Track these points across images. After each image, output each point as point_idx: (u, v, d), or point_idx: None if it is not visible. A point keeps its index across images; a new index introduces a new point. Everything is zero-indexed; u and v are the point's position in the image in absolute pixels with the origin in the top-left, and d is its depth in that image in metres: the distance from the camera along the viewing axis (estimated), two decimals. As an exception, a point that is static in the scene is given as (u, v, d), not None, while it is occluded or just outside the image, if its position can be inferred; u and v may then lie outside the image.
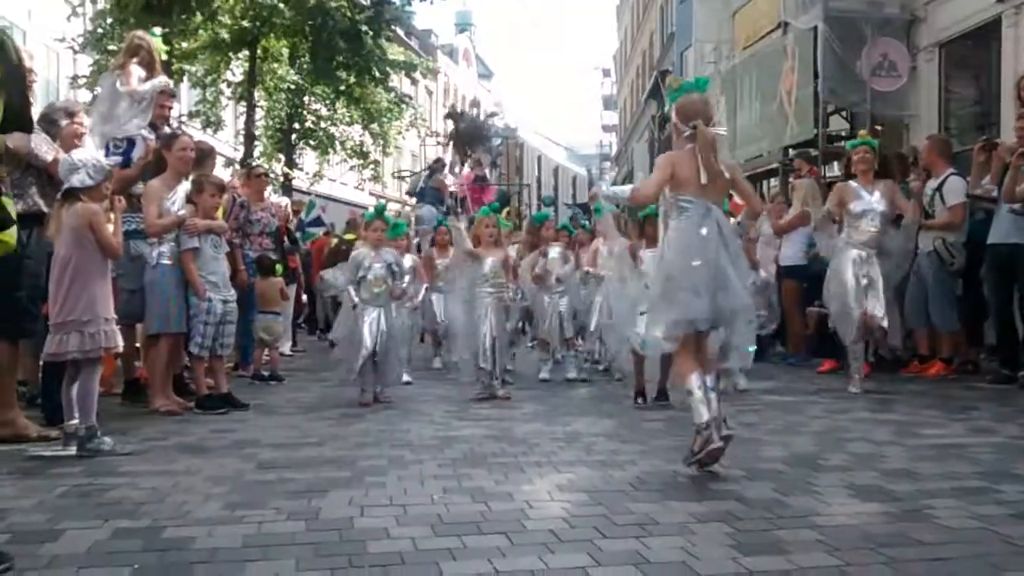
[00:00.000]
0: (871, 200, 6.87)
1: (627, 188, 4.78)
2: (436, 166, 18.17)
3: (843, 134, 14.58)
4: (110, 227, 4.92)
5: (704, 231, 4.15)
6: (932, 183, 8.04)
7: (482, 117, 21.02)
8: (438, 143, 25.03)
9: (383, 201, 8.31)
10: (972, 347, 8.20)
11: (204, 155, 7.27)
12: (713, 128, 4.24)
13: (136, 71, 6.79)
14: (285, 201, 11.36)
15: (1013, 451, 4.59)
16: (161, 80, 6.94)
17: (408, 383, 7.80)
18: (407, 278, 7.45)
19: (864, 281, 6.82)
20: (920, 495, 3.67)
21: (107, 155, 6.43)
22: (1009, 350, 7.22)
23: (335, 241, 13.56)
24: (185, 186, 6.53)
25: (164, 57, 7.63)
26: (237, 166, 18.10)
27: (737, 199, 6.35)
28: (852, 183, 7.04)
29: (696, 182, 4.17)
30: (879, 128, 13.61)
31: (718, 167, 4.20)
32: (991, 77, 11.81)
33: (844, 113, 14.28)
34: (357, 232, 10.73)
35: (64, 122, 5.96)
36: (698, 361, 4.23)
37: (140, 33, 7.26)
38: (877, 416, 5.84)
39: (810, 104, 13.59)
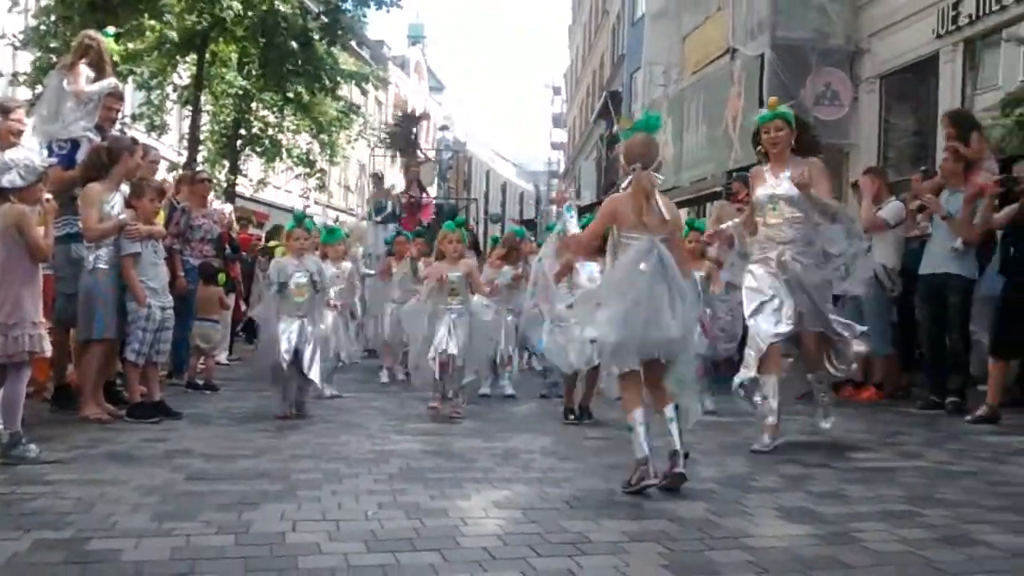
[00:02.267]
0: (774, 183, 5.44)
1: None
2: (379, 183, 18.07)
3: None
4: (41, 229, 4.80)
5: (643, 266, 4.21)
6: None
7: (421, 129, 21.02)
8: (392, 155, 24.93)
9: (301, 209, 8.23)
10: (903, 372, 8.39)
11: (147, 157, 7.15)
12: (648, 173, 4.32)
13: (84, 71, 6.67)
14: (228, 208, 11.19)
15: (939, 476, 4.70)
16: (110, 82, 6.83)
17: (335, 396, 7.70)
18: (337, 288, 7.38)
19: (771, 294, 5.37)
20: (848, 518, 3.74)
21: (50, 155, 6.31)
22: (939, 377, 7.39)
23: (260, 249, 13.39)
24: (124, 190, 6.42)
25: (116, 58, 7.50)
26: (180, 171, 17.83)
27: None
28: (763, 168, 5.63)
29: (638, 220, 4.27)
30: (820, 156, 13.93)
31: (655, 211, 4.28)
32: (929, 110, 12.15)
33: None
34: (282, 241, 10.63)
35: None
36: (652, 394, 4.30)
37: (92, 33, 7.12)
38: (809, 439, 5.92)
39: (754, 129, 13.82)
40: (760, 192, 5.49)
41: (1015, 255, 6.75)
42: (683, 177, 17.50)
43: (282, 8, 17.77)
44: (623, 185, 4.46)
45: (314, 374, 6.53)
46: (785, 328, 5.30)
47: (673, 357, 4.31)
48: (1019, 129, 9.93)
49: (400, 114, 21.48)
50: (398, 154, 18.85)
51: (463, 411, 6.73)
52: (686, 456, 4.20)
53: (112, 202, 6.23)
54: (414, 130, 19.76)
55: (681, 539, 3.36)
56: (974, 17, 10.95)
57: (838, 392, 8.23)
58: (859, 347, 5.71)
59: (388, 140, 20.08)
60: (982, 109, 10.85)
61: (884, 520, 3.70)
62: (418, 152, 20.24)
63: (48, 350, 4.88)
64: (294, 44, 18.39)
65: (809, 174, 5.23)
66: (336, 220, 16.75)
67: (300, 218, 7.01)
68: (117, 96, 7.08)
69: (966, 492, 4.28)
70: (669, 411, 4.24)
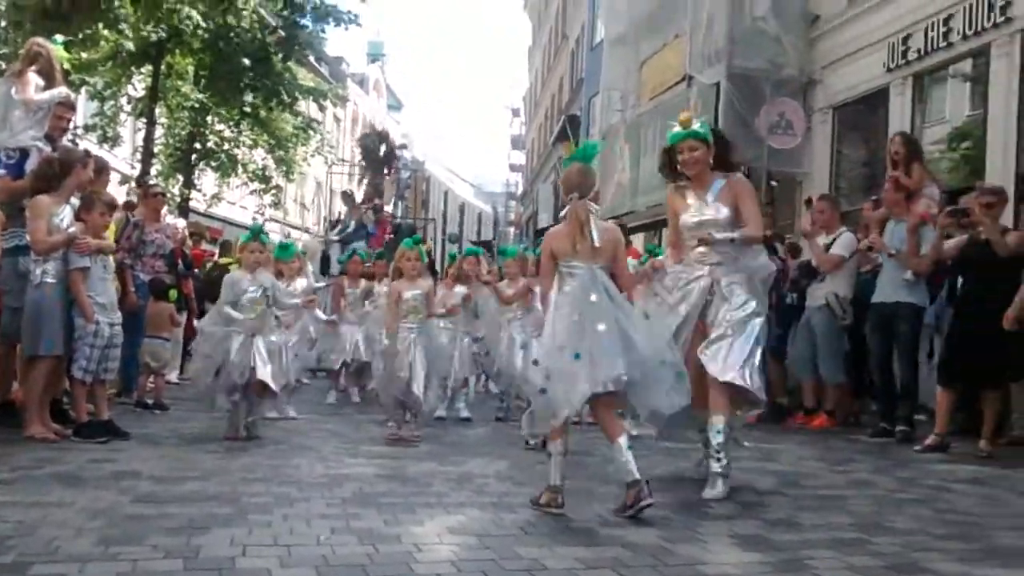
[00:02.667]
0: (698, 207, 5.09)
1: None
2: (349, 200, 18.02)
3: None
4: None
5: (594, 297, 4.26)
6: (824, 239, 8.41)
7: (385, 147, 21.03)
8: (350, 173, 24.86)
9: (259, 222, 8.15)
10: (855, 400, 8.52)
11: (98, 171, 7.03)
12: (584, 202, 4.37)
13: (34, 79, 6.55)
14: (182, 223, 11.06)
15: (888, 503, 4.77)
16: (60, 91, 6.71)
17: (292, 418, 7.62)
18: (293, 301, 7.30)
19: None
20: (800, 545, 3.76)
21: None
22: (889, 405, 7.51)
23: (209, 266, 13.23)
24: (74, 203, 6.30)
25: (66, 66, 7.37)
26: (133, 184, 17.57)
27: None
28: (683, 189, 5.19)
29: (575, 249, 4.35)
30: (774, 184, 14.17)
31: (595, 237, 4.32)
32: (880, 141, 12.39)
33: (742, 168, 14.74)
34: (234, 255, 10.51)
35: None
36: (605, 425, 4.34)
37: (40, 40, 7.00)
38: (762, 465, 5.98)
39: (710, 157, 14.00)
40: (686, 218, 5.10)
41: (963, 286, 6.90)
42: (639, 202, 17.66)
43: (236, 23, 17.63)
44: (561, 215, 4.52)
45: (275, 385, 6.47)
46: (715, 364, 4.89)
47: (627, 388, 4.29)
48: (965, 163, 10.21)
49: (368, 131, 21.45)
50: (366, 170, 18.81)
51: (420, 434, 6.69)
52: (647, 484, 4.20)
53: (61, 215, 6.11)
54: (384, 146, 19.75)
55: (635, 566, 3.36)
56: (922, 52, 11.23)
57: (790, 419, 8.36)
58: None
59: (362, 154, 20.00)
60: (930, 142, 11.12)
61: (835, 548, 3.73)
62: (389, 169, 20.21)
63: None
64: (246, 60, 18.26)
65: (734, 192, 5.03)
66: (287, 236, 16.61)
67: (257, 231, 6.92)
68: (68, 105, 6.96)
69: (915, 520, 4.34)
70: (623, 440, 4.25)
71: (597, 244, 4.34)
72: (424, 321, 6.76)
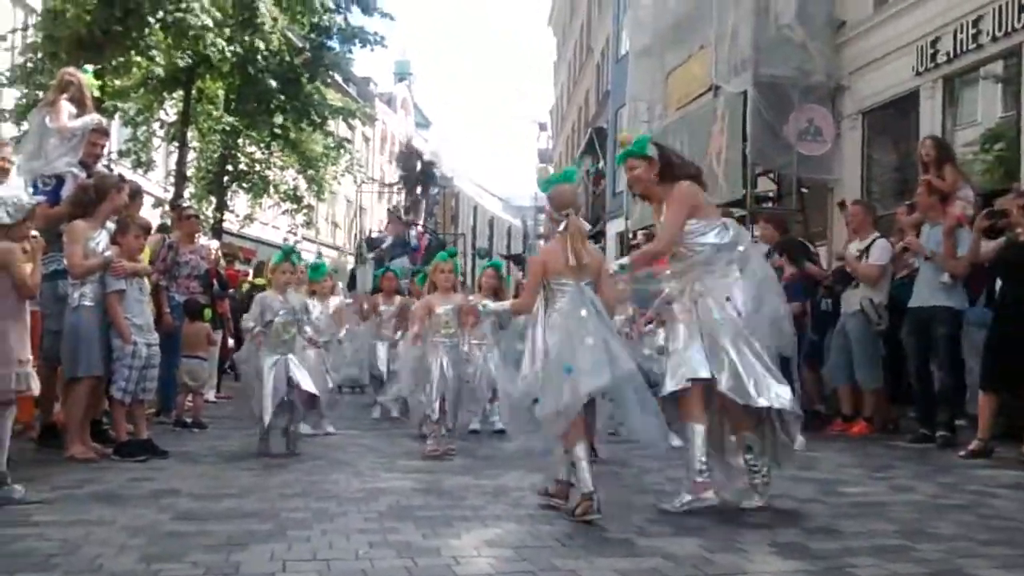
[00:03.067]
0: (658, 223, 5.09)
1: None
2: (395, 217, 18.16)
3: (770, 195, 14.99)
4: (28, 267, 4.77)
5: (583, 312, 4.39)
6: (858, 244, 8.33)
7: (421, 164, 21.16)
8: (380, 191, 25.05)
9: (290, 242, 8.25)
10: (893, 406, 8.41)
11: (132, 195, 7.14)
12: (579, 218, 4.60)
13: (66, 107, 6.67)
14: (215, 244, 11.19)
15: (930, 510, 4.70)
16: (93, 118, 6.84)
17: (330, 433, 7.66)
18: (319, 321, 7.34)
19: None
20: (841, 553, 3.72)
21: (35, 192, 6.30)
22: (928, 410, 7.41)
23: (245, 287, 13.36)
24: (110, 227, 6.41)
25: (96, 93, 7.53)
26: (167, 207, 17.81)
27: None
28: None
29: (567, 266, 4.48)
30: (805, 191, 14.07)
31: (585, 253, 4.52)
32: (911, 145, 12.27)
33: (772, 175, 14.68)
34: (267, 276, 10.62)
35: None
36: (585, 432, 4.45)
37: (71, 69, 7.16)
38: (800, 473, 5.90)
39: (739, 165, 13.95)
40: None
41: (1002, 288, 6.80)
42: (669, 213, 17.57)
43: (263, 46, 17.87)
44: (560, 229, 4.58)
45: (298, 411, 6.53)
46: (705, 373, 4.58)
47: (625, 391, 4.42)
48: (999, 164, 10.07)
49: (404, 148, 21.59)
50: (406, 184, 18.94)
51: (455, 447, 6.69)
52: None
53: (98, 239, 6.21)
54: (419, 163, 19.87)
55: (675, 576, 3.34)
56: (952, 55, 11.12)
57: (830, 427, 8.27)
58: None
59: (402, 171, 20.15)
60: (963, 144, 10.99)
61: (877, 555, 3.69)
62: (426, 185, 20.31)
63: (36, 389, 4.84)
64: (273, 82, 18.47)
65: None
66: (319, 256, 16.72)
67: (288, 252, 6.99)
68: (101, 132, 7.10)
69: (958, 526, 4.27)
70: (580, 451, 4.35)
71: (585, 261, 4.49)
72: (455, 336, 6.76)
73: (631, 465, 6.30)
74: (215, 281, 9.98)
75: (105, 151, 8.13)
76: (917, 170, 11.45)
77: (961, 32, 10.88)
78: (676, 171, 4.90)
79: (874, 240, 8.20)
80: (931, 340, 7.22)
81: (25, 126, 15.34)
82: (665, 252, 4.94)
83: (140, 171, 19.82)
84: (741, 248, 4.80)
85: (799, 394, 8.20)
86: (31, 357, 4.83)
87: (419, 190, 18.97)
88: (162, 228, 9.49)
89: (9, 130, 15.82)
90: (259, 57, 17.95)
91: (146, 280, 6.52)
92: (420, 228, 17.06)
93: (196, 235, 9.35)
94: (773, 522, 4.35)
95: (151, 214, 16.10)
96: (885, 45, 12.41)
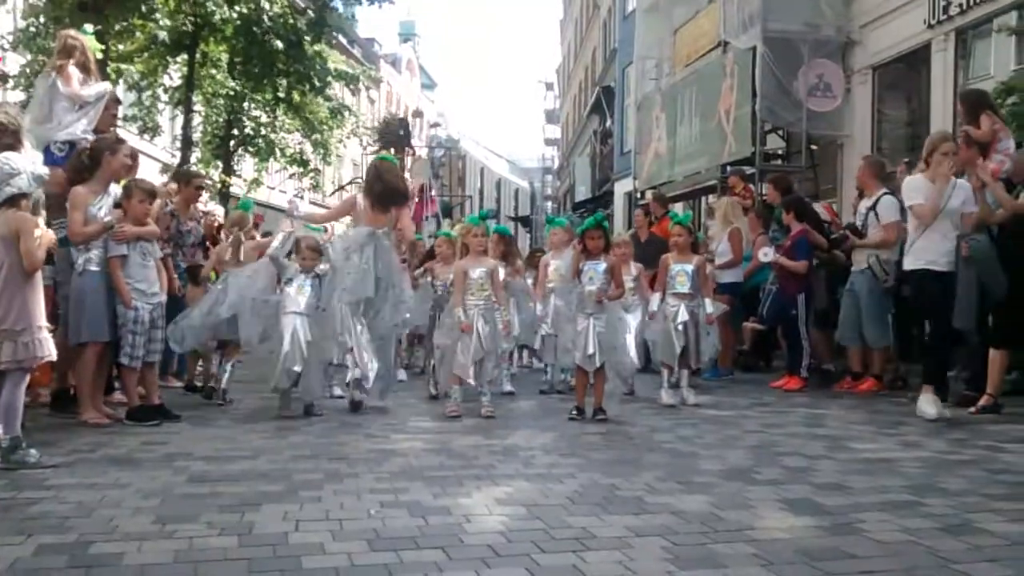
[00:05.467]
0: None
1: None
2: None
3: (780, 152, 14.89)
4: (37, 238, 4.76)
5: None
6: (866, 202, 8.24)
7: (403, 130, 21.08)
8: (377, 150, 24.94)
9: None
10: (902, 363, 8.39)
11: (132, 157, 7.12)
12: None
13: (75, 73, 6.64)
14: (220, 211, 11.20)
15: (940, 466, 4.71)
16: (106, 86, 6.85)
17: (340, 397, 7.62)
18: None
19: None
20: (851, 509, 3.74)
21: (48, 157, 6.28)
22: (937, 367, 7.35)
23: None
24: (115, 191, 6.38)
25: (99, 56, 7.49)
26: (169, 174, 17.78)
27: None
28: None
29: None
30: (815, 148, 13.96)
31: None
32: (922, 99, 12.16)
33: (781, 132, 14.57)
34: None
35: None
36: None
37: (72, 32, 7.09)
38: (810, 431, 5.94)
39: (748, 122, 13.85)
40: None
41: (1012, 248, 6.70)
42: (677, 171, 17.50)
43: (268, 7, 17.71)
44: None
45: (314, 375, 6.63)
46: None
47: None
48: (1012, 119, 9.93)
49: (388, 114, 21.52)
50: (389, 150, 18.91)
51: (493, 408, 6.66)
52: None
53: (99, 204, 6.17)
54: (403, 130, 19.82)
55: (684, 533, 3.36)
56: (965, 7, 10.96)
57: (839, 384, 8.27)
58: None
59: (378, 137, 20.14)
60: (975, 98, 10.84)
61: (887, 510, 3.71)
62: (408, 147, 20.27)
63: (54, 353, 4.86)
64: (279, 43, 18.33)
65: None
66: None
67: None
68: (115, 99, 7.09)
69: (967, 481, 4.29)
70: None
71: None
72: (489, 298, 6.74)
73: (637, 424, 6.32)
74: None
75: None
76: (929, 125, 11.39)
77: (973, -17, 10.71)
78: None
79: (881, 196, 8.10)
80: (946, 298, 7.08)
81: (31, 91, 15.32)
82: None
83: (146, 136, 19.76)
84: None
85: (808, 352, 8.28)
86: (47, 323, 4.85)
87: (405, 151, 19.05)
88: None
89: (15, 96, 15.74)
90: (264, 18, 17.80)
91: (153, 244, 6.46)
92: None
93: (195, 202, 9.31)
94: (782, 479, 4.37)
95: (158, 180, 16.07)
96: (896, -2, 12.24)
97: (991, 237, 6.77)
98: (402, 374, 8.14)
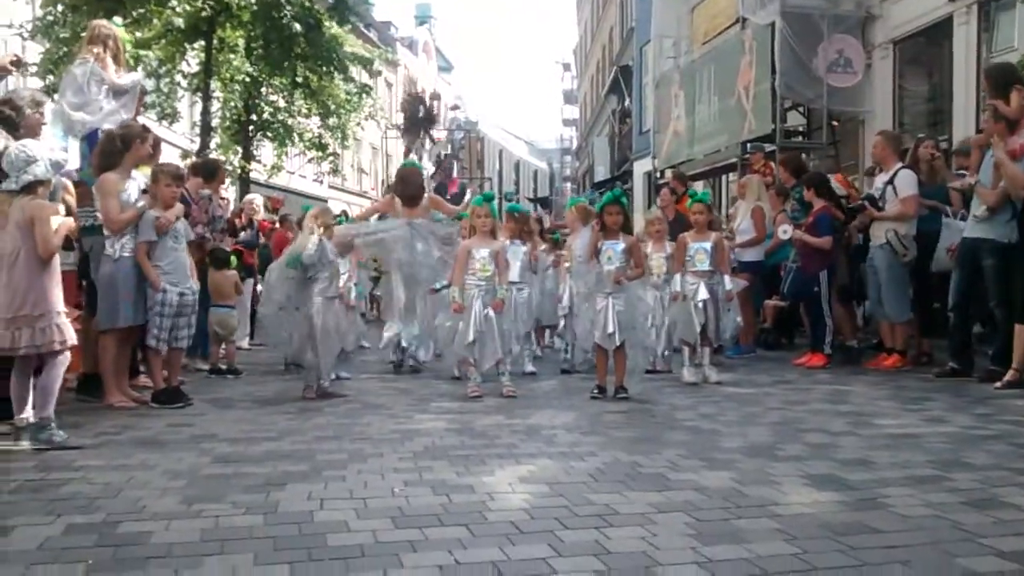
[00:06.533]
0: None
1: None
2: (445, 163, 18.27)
3: (800, 129, 14.76)
4: (55, 225, 4.80)
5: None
6: (883, 177, 8.18)
7: (436, 107, 21.05)
8: (398, 135, 24.99)
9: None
10: (924, 338, 8.32)
11: (153, 145, 7.17)
12: None
13: (111, 63, 6.71)
14: (259, 199, 11.39)
15: (964, 440, 4.68)
16: (139, 75, 6.91)
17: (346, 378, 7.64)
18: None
19: None
20: (875, 484, 3.73)
21: (91, 143, 6.37)
22: (961, 344, 7.30)
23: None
24: (139, 177, 6.43)
25: (129, 48, 7.58)
26: (194, 158, 17.85)
27: None
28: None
29: None
30: (835, 124, 13.83)
31: None
32: (944, 74, 12.01)
33: (801, 109, 14.44)
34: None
35: (29, 111, 5.87)
36: None
37: (104, 23, 7.12)
38: (833, 407, 5.91)
39: (767, 99, 13.73)
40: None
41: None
42: (696, 150, 17.39)
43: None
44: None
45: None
46: None
47: None
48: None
49: (408, 95, 21.46)
50: (405, 133, 18.96)
51: (514, 388, 6.70)
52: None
53: (128, 190, 6.23)
54: (423, 108, 19.75)
55: (707, 509, 3.36)
56: (988, -22, 10.81)
57: (863, 361, 8.22)
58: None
59: (404, 124, 20.13)
60: (999, 72, 10.68)
61: (911, 485, 3.69)
62: (431, 131, 20.26)
63: (74, 338, 4.91)
64: (297, 26, 18.34)
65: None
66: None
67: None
68: (143, 89, 7.18)
69: (993, 456, 4.26)
70: None
71: None
72: (492, 279, 6.75)
73: (659, 402, 6.32)
74: (247, 229, 10.07)
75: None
76: (952, 100, 11.25)
77: (997, -47, 10.55)
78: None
79: (898, 171, 8.01)
80: (976, 270, 7.03)
81: (50, 80, 15.41)
82: None
83: (165, 123, 19.84)
84: None
85: (831, 329, 8.22)
86: (65, 308, 4.90)
87: (422, 135, 18.95)
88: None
89: (32, 83, 15.85)
90: (283, 1, 17.83)
91: (180, 227, 6.49)
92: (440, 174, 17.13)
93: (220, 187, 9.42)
94: (805, 454, 4.36)
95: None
96: (917, -30, 12.08)
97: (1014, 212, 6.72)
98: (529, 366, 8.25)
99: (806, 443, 4.67)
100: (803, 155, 12.92)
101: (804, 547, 2.88)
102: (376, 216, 9.11)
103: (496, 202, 7.91)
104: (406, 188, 8.37)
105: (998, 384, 6.46)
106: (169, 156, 15.47)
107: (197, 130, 20.31)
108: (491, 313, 6.64)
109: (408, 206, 8.28)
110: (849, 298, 8.66)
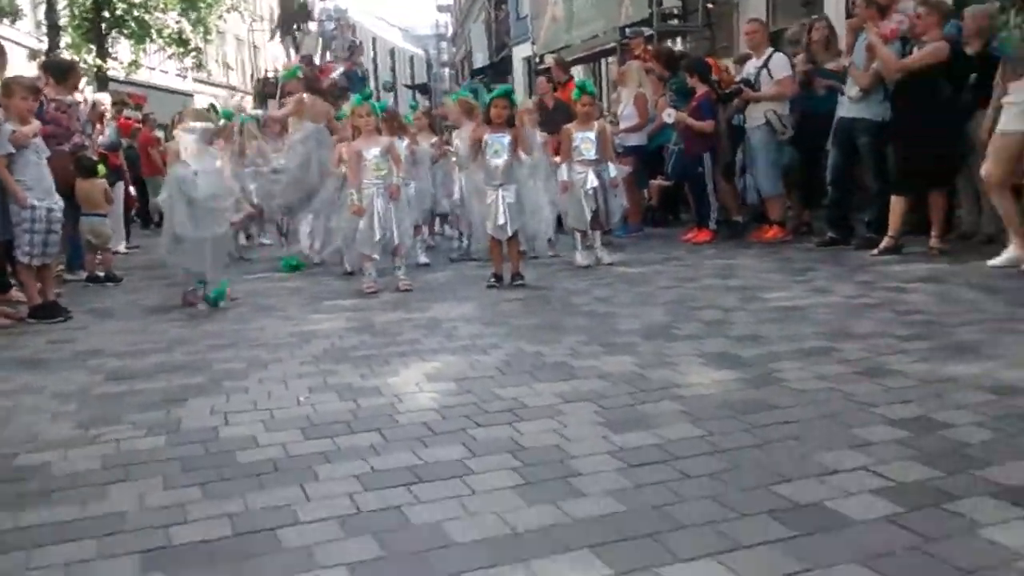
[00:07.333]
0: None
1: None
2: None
3: (676, 12, 14.70)
4: None
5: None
6: (755, 62, 8.40)
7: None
8: (272, 30, 23.84)
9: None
10: (805, 210, 8.61)
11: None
12: None
13: None
14: (107, 97, 10.66)
15: (849, 311, 4.86)
16: None
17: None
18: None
19: None
20: (768, 358, 3.85)
21: None
22: (839, 215, 7.58)
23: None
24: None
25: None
26: (42, 58, 16.63)
27: None
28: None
29: None
30: (711, 6, 13.80)
31: None
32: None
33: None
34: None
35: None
36: None
37: None
38: (723, 283, 6.06)
39: (643, -17, 13.59)
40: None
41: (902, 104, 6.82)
42: (574, 35, 17.20)
43: None
44: None
45: None
46: None
47: None
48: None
49: None
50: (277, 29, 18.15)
51: (410, 282, 6.65)
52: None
53: None
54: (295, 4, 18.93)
55: (613, 396, 3.42)
56: None
57: (746, 235, 8.47)
58: None
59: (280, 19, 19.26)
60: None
61: (802, 358, 3.82)
62: (299, 25, 19.47)
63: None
64: None
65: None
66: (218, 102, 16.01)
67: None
68: None
69: (877, 323, 4.45)
70: None
71: None
72: (387, 176, 6.61)
73: (557, 287, 6.37)
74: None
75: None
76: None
77: None
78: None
79: (771, 55, 8.26)
80: (852, 148, 7.28)
81: None
82: None
83: (6, 21, 18.36)
84: None
85: (715, 206, 8.44)
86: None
87: (295, 28, 18.25)
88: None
89: None
90: None
91: (41, 142, 6.10)
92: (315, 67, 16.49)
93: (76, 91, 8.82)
94: (700, 333, 4.47)
95: (26, 68, 15.14)
96: None
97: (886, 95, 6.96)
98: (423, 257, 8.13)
99: (700, 320, 4.78)
100: (676, 40, 12.92)
101: (709, 428, 2.96)
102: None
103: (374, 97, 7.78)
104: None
105: (875, 251, 6.75)
106: (15, 57, 14.41)
107: (44, 30, 18.86)
108: (391, 206, 6.54)
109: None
110: (732, 175, 8.87)
